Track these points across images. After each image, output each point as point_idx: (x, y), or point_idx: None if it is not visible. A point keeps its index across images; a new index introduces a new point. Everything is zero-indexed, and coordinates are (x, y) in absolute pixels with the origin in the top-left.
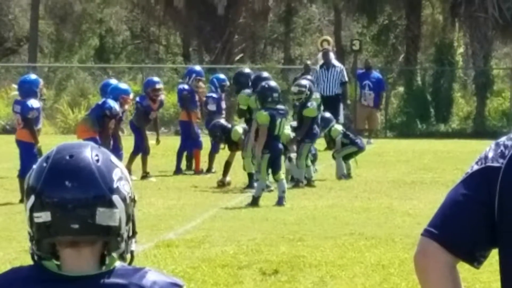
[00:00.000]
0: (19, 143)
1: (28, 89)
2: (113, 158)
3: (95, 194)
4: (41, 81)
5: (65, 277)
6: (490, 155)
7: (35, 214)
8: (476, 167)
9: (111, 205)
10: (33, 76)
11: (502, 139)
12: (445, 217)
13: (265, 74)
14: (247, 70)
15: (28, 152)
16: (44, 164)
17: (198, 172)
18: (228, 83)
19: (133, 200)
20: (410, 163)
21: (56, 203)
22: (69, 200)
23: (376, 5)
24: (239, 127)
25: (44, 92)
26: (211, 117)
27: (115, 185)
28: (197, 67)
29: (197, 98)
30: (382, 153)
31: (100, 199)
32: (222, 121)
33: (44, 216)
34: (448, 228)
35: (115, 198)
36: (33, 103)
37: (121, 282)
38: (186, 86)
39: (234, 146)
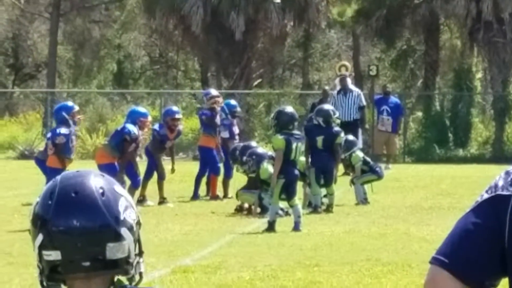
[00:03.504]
0: (49, 169)
1: (58, 116)
2: (117, 187)
3: (104, 231)
4: (75, 108)
5: None
6: (500, 183)
7: (45, 252)
8: (486, 196)
9: (119, 238)
10: (69, 103)
11: None
12: (454, 245)
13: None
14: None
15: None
16: (50, 202)
17: (214, 197)
18: (239, 109)
19: (138, 223)
20: (428, 189)
21: (65, 242)
22: (78, 239)
23: (395, 30)
24: (270, 165)
25: (78, 119)
26: (226, 144)
27: (122, 217)
28: (211, 90)
29: (218, 118)
30: (400, 178)
31: (109, 235)
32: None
33: (54, 255)
34: (457, 256)
35: (123, 230)
36: (61, 129)
37: None
38: (205, 111)
39: (259, 183)
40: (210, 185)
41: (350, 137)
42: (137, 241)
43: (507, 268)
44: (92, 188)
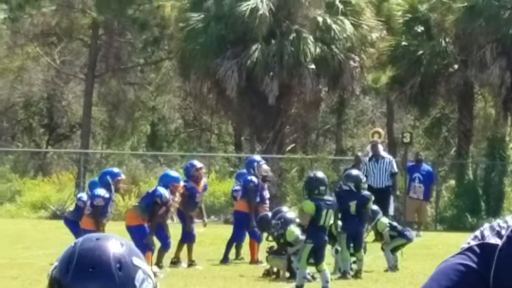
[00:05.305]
0: (82, 231)
1: (103, 179)
2: (135, 258)
3: None
4: (121, 176)
5: None
6: (486, 233)
7: None
8: (473, 243)
9: None
10: (115, 169)
11: (496, 222)
12: (440, 283)
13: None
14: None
15: None
16: (67, 274)
17: (254, 262)
18: (270, 173)
19: None
20: None
21: None
22: None
23: (429, 98)
24: (295, 227)
25: (121, 186)
26: (256, 208)
27: None
28: (256, 156)
29: (263, 185)
30: (430, 246)
31: None
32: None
33: None
34: None
35: None
36: (100, 191)
37: None
38: (254, 178)
39: (287, 245)
40: (250, 250)
41: (374, 207)
42: None
43: None
44: (110, 263)
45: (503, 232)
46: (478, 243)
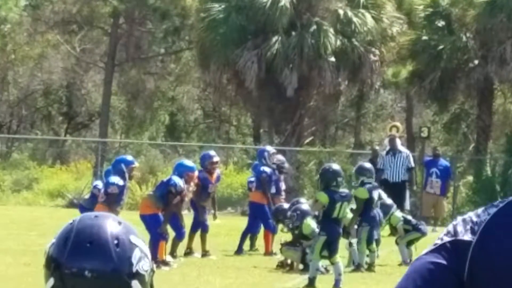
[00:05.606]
0: None
1: (116, 167)
2: (133, 237)
3: (115, 284)
4: (135, 163)
5: None
6: (459, 229)
7: None
8: (446, 239)
9: None
10: (129, 157)
11: (469, 215)
12: (415, 282)
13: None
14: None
15: None
16: (64, 248)
17: (268, 253)
18: (287, 165)
19: (152, 270)
20: None
21: None
22: None
23: (448, 93)
24: (312, 220)
25: (134, 174)
26: (272, 199)
27: (134, 269)
28: (267, 147)
29: (280, 176)
30: None
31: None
32: (286, 205)
33: None
34: None
35: (134, 283)
36: (114, 179)
37: None
38: (266, 169)
39: (302, 238)
40: (264, 241)
41: (388, 201)
42: None
43: None
44: (108, 239)
45: (476, 228)
46: (451, 239)
